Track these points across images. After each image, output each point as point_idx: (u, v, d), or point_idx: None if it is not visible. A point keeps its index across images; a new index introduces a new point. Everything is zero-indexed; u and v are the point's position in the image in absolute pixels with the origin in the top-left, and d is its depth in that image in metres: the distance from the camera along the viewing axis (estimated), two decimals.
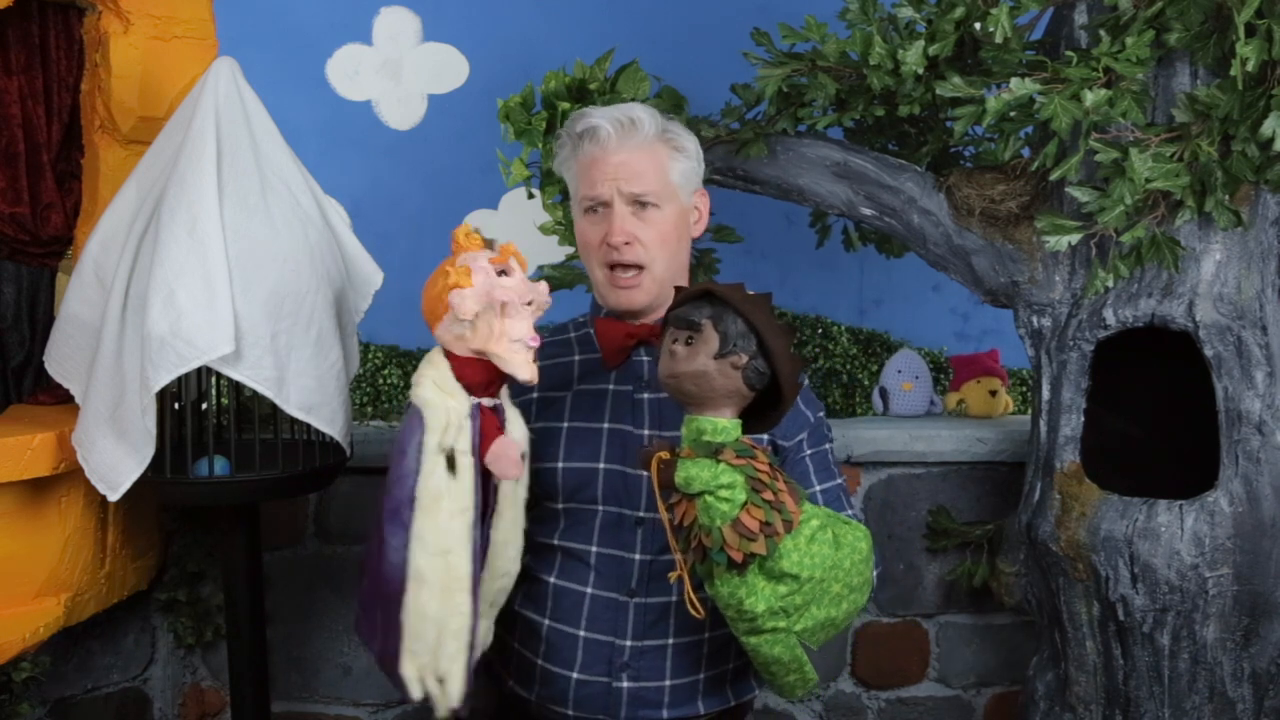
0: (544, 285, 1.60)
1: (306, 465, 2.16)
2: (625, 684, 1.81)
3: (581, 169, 1.84)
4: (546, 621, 1.84)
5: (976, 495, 2.77)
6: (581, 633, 1.82)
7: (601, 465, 1.82)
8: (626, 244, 1.79)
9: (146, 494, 2.11)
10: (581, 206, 1.85)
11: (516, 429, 1.65)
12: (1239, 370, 2.12)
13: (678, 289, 1.64)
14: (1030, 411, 2.42)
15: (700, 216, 1.89)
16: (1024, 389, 3.10)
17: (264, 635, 2.32)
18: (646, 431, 1.82)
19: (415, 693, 1.57)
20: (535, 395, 1.87)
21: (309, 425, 2.09)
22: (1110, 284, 2.17)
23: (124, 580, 2.40)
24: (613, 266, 1.82)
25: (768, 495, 1.56)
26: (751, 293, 1.60)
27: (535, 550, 1.86)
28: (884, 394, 2.96)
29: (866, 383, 3.06)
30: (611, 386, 1.87)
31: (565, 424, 1.85)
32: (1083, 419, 2.24)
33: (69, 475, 2.15)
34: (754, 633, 1.63)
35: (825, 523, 1.64)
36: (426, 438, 1.55)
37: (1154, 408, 2.40)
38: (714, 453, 1.55)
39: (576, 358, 1.91)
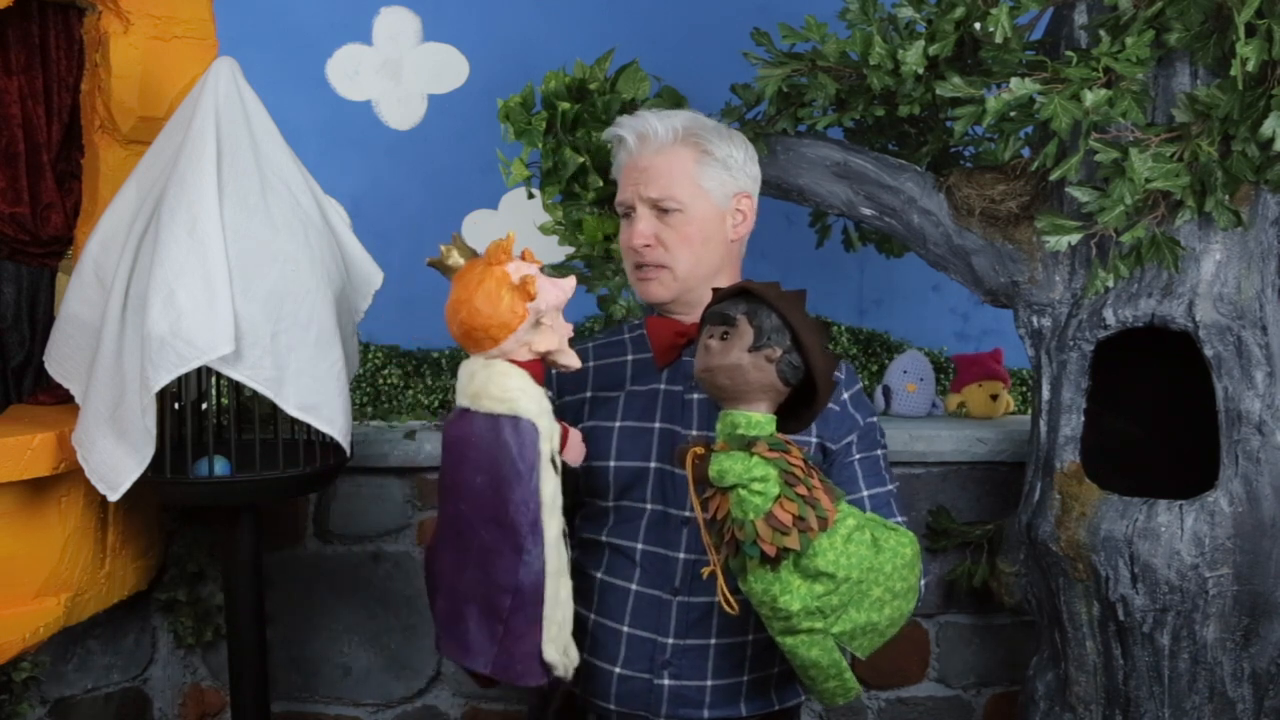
0: (571, 279, 1.69)
1: (306, 465, 2.16)
2: (666, 682, 1.83)
3: (619, 175, 1.92)
4: (592, 616, 1.88)
5: (976, 495, 2.77)
6: (625, 628, 1.85)
7: (652, 464, 1.85)
8: (647, 246, 1.85)
9: (146, 494, 2.11)
10: (618, 211, 1.92)
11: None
12: (1239, 370, 2.12)
13: (714, 290, 1.66)
14: (1030, 411, 2.42)
15: (743, 220, 1.90)
16: (1024, 389, 3.10)
17: (264, 635, 2.32)
18: (694, 431, 1.84)
19: (562, 672, 1.66)
20: (589, 395, 1.91)
21: (309, 425, 2.09)
22: (1110, 284, 2.17)
23: (124, 580, 2.40)
24: (638, 266, 1.88)
25: (801, 490, 1.56)
26: (786, 290, 1.62)
27: (584, 546, 1.91)
28: (887, 392, 2.96)
29: (867, 382, 3.05)
30: (662, 386, 1.90)
31: (617, 423, 1.88)
32: (1083, 419, 2.24)
33: (69, 475, 2.15)
34: (790, 633, 1.62)
35: (863, 523, 1.63)
36: (543, 447, 1.61)
37: (1154, 408, 2.39)
38: (747, 446, 1.56)
39: (630, 358, 1.94)
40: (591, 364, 1.95)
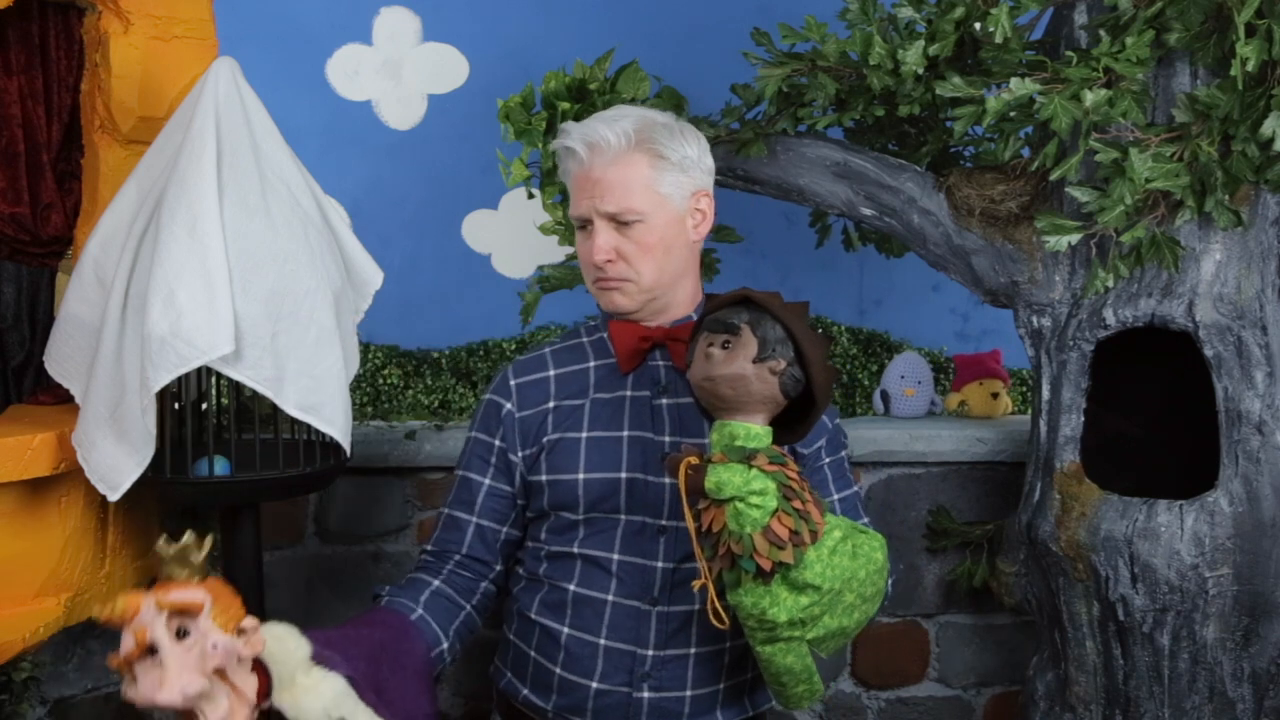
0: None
1: (306, 465, 2.16)
2: (646, 694, 1.79)
3: (570, 185, 1.83)
4: (566, 630, 1.82)
5: (976, 495, 2.77)
6: (602, 641, 1.80)
7: (624, 475, 1.80)
8: (609, 261, 1.78)
9: (146, 494, 2.11)
10: (574, 223, 1.85)
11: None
12: (1239, 370, 2.12)
13: (709, 296, 1.63)
14: (1030, 411, 2.42)
15: (703, 219, 1.85)
16: (1024, 389, 3.10)
17: None
18: (668, 438, 1.81)
19: None
20: (552, 405, 1.85)
21: (309, 425, 2.09)
22: (1110, 284, 2.17)
23: (124, 580, 2.39)
24: (596, 281, 1.83)
25: (797, 504, 1.54)
26: (789, 301, 1.60)
27: (553, 558, 1.85)
28: (885, 397, 2.96)
29: (867, 383, 3.05)
30: (629, 393, 1.84)
31: (584, 434, 1.83)
32: (1083, 419, 2.24)
33: (69, 475, 2.15)
34: (770, 642, 1.62)
35: (847, 534, 1.63)
36: None
37: (1154, 408, 2.40)
38: (747, 458, 1.54)
39: (592, 364, 1.88)
40: (552, 372, 1.88)
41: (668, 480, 1.75)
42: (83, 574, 2.25)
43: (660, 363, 1.85)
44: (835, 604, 1.62)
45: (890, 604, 2.79)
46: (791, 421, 1.63)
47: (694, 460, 1.57)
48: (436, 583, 1.82)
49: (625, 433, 1.82)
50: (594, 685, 1.80)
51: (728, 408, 1.58)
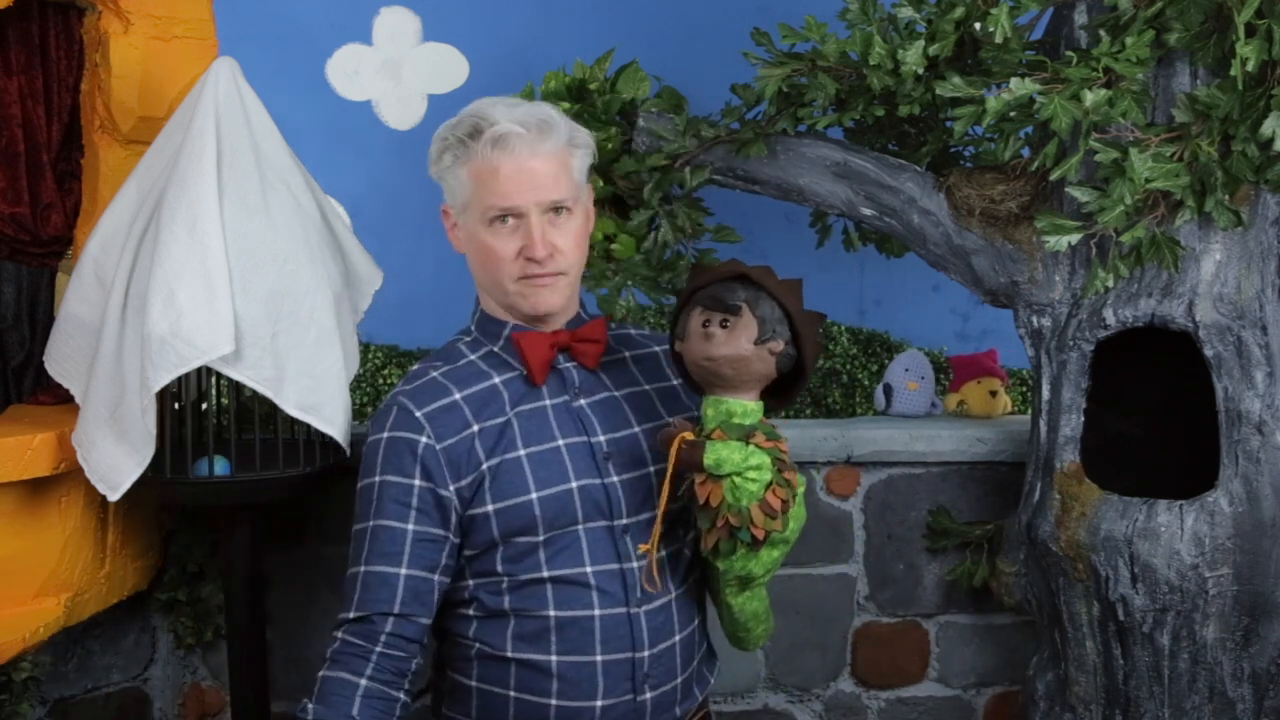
0: None
1: (306, 465, 2.16)
2: (649, 695, 1.75)
3: (482, 176, 1.69)
4: (555, 658, 1.72)
5: (976, 495, 2.77)
6: (599, 658, 1.72)
7: (574, 484, 1.72)
8: (549, 256, 1.69)
9: (146, 494, 2.11)
10: (486, 217, 1.69)
11: None
12: (1239, 370, 2.12)
13: (699, 269, 1.64)
14: (1030, 411, 2.42)
15: (589, 214, 1.80)
16: (1024, 389, 3.10)
17: (264, 635, 2.32)
18: (603, 437, 1.75)
19: None
20: (476, 429, 1.71)
21: (309, 425, 2.10)
22: (1110, 284, 2.17)
23: (124, 580, 2.40)
24: (528, 276, 1.72)
25: (788, 474, 1.61)
26: (783, 279, 1.63)
27: (519, 588, 1.73)
28: (888, 390, 2.95)
29: (867, 383, 3.05)
30: (548, 402, 1.76)
31: (522, 452, 1.71)
32: (1083, 419, 2.24)
33: (69, 475, 2.15)
34: (742, 592, 1.74)
35: (802, 487, 1.72)
36: None
37: (1154, 408, 2.40)
38: (745, 435, 1.58)
39: (498, 380, 1.75)
40: (459, 396, 1.73)
41: (617, 478, 1.73)
42: (83, 574, 2.25)
43: (568, 365, 1.78)
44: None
45: (890, 604, 2.81)
46: (776, 388, 1.67)
47: (688, 436, 1.60)
48: (364, 681, 1.65)
49: (561, 441, 1.74)
50: (599, 704, 1.73)
51: (724, 386, 1.60)
